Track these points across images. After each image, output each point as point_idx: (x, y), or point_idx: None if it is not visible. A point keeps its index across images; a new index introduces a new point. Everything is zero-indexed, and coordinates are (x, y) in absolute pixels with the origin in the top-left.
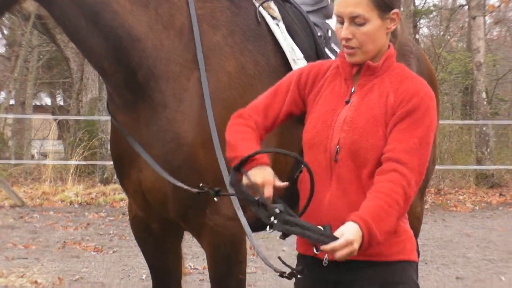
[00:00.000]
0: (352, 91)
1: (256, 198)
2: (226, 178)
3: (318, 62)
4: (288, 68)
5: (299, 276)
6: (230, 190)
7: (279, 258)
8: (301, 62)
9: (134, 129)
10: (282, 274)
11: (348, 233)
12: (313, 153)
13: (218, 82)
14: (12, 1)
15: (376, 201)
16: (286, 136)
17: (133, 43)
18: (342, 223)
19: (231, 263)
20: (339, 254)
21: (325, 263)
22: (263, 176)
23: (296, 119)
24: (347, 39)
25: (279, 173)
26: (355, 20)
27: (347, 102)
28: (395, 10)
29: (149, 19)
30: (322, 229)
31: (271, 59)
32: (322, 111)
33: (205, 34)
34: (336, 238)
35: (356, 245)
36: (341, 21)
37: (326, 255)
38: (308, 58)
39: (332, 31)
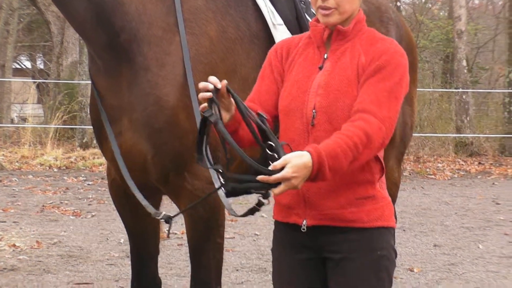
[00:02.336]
0: (325, 57)
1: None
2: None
3: (289, 37)
4: (269, 33)
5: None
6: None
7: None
8: (281, 28)
9: (115, 92)
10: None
11: (292, 164)
12: (289, 119)
13: (200, 46)
14: None
15: (335, 140)
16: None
17: (116, 6)
18: (321, 186)
19: (210, 226)
20: (277, 191)
21: (304, 229)
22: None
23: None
24: None
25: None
26: None
27: (320, 68)
28: None
29: None
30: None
31: (252, 24)
32: (296, 79)
33: None
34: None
35: (294, 181)
36: None
37: (304, 221)
38: (288, 23)
39: None
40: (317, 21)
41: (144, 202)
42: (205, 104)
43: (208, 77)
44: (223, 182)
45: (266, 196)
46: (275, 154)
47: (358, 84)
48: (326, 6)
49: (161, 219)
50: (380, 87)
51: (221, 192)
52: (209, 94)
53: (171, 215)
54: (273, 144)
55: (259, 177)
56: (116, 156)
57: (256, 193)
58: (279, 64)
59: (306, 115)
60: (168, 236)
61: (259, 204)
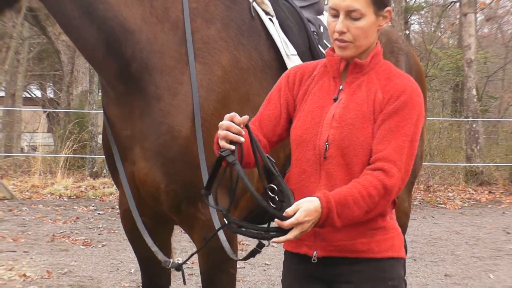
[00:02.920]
0: (340, 88)
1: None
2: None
3: (303, 63)
4: (281, 63)
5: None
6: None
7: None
8: (294, 58)
9: (127, 121)
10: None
11: (303, 208)
12: (301, 150)
13: (212, 75)
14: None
15: (350, 189)
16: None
17: (126, 35)
18: None
19: (223, 257)
20: (290, 236)
21: (314, 260)
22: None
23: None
24: (342, 33)
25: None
26: (351, 14)
27: (335, 100)
28: (388, 8)
29: (143, 11)
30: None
31: (265, 53)
32: (310, 109)
33: (199, 27)
34: (278, 231)
35: (306, 225)
36: (335, 14)
37: (314, 252)
38: (301, 54)
39: (324, 27)
40: (333, 50)
41: (154, 248)
42: (224, 143)
43: (232, 116)
44: (226, 223)
45: (266, 237)
46: (276, 197)
47: (374, 121)
48: (343, 39)
49: (170, 268)
50: (401, 132)
51: (223, 236)
52: (241, 139)
53: (181, 262)
54: (281, 189)
55: (277, 221)
56: (124, 187)
57: (261, 239)
58: (288, 91)
59: (319, 147)
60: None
61: (260, 246)
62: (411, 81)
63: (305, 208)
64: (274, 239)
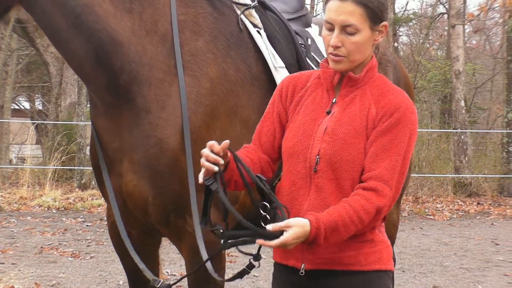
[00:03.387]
0: (334, 101)
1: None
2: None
3: (296, 73)
4: (269, 75)
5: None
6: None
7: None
8: (282, 70)
9: (116, 133)
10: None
11: (293, 232)
12: (292, 162)
13: (201, 88)
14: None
15: (341, 211)
16: None
17: (115, 47)
18: None
19: (211, 270)
20: (272, 244)
21: (302, 272)
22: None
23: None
24: (336, 47)
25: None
26: (346, 29)
27: (328, 113)
28: (384, 23)
29: (132, 24)
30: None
31: (253, 66)
32: (302, 121)
33: (187, 40)
34: (273, 234)
35: (290, 247)
36: (330, 28)
37: (302, 265)
38: (289, 66)
39: (312, 40)
40: (328, 62)
41: (141, 266)
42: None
43: (210, 144)
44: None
45: (257, 258)
46: (267, 215)
47: (366, 137)
48: (337, 53)
49: (157, 286)
50: (394, 151)
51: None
52: (215, 168)
53: (171, 283)
54: (272, 205)
55: (259, 241)
56: (110, 200)
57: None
58: (280, 104)
59: (310, 160)
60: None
61: (250, 267)
62: (405, 97)
63: (294, 232)
64: (261, 242)
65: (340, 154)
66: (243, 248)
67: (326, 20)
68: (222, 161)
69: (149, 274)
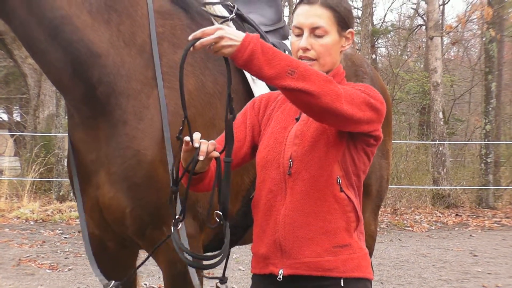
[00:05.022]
0: None
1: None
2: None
3: (269, 92)
4: (247, 87)
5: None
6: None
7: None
8: (259, 82)
9: (93, 145)
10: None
11: (223, 26)
12: (266, 171)
13: (178, 100)
14: None
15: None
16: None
17: (93, 58)
18: (298, 234)
19: (188, 282)
20: (207, 39)
21: (280, 278)
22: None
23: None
24: (305, 50)
25: (235, 194)
26: (315, 32)
27: (297, 119)
28: (351, 30)
29: (110, 35)
30: None
31: (232, 77)
32: (273, 131)
33: (165, 52)
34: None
35: (223, 32)
36: (298, 34)
37: (280, 270)
38: None
39: (289, 51)
40: None
41: (95, 271)
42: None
43: (194, 133)
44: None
45: (223, 281)
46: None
47: (334, 133)
48: (307, 56)
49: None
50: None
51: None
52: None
53: (125, 278)
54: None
55: (197, 44)
56: (79, 211)
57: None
58: (254, 116)
59: (283, 165)
60: None
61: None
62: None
63: (228, 28)
64: (195, 45)
65: (311, 152)
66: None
67: (294, 26)
68: (196, 145)
69: (101, 279)
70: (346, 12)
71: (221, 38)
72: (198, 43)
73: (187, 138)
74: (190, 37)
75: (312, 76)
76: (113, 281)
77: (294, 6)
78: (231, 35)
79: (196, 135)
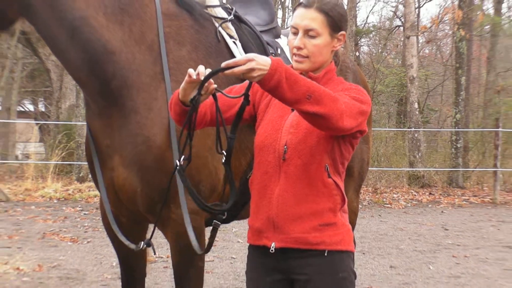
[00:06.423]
0: None
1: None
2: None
3: None
4: (243, 80)
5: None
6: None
7: None
8: None
9: (108, 132)
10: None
11: (256, 58)
12: (263, 154)
13: None
14: (3, 25)
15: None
16: (243, 141)
17: (108, 55)
18: (289, 213)
19: (192, 252)
20: (238, 69)
21: (272, 250)
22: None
23: (251, 128)
24: (299, 48)
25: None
26: (308, 33)
27: (292, 110)
28: (342, 32)
29: (123, 35)
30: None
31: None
32: (271, 118)
33: (172, 49)
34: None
35: (254, 64)
36: (295, 33)
37: (273, 243)
38: None
39: (282, 49)
40: (292, 67)
41: (120, 235)
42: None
43: (199, 66)
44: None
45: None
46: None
47: None
48: (300, 54)
49: (142, 247)
50: (345, 94)
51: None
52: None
53: (149, 238)
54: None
55: (228, 72)
56: (101, 191)
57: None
58: (252, 95)
59: (278, 151)
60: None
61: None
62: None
63: (258, 58)
64: (230, 71)
65: (305, 142)
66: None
67: (292, 25)
68: (201, 77)
69: (129, 244)
70: (339, 17)
71: (251, 70)
72: (229, 71)
73: (191, 70)
74: (223, 64)
75: (324, 98)
76: (141, 242)
77: (286, 9)
78: (260, 65)
79: (201, 69)
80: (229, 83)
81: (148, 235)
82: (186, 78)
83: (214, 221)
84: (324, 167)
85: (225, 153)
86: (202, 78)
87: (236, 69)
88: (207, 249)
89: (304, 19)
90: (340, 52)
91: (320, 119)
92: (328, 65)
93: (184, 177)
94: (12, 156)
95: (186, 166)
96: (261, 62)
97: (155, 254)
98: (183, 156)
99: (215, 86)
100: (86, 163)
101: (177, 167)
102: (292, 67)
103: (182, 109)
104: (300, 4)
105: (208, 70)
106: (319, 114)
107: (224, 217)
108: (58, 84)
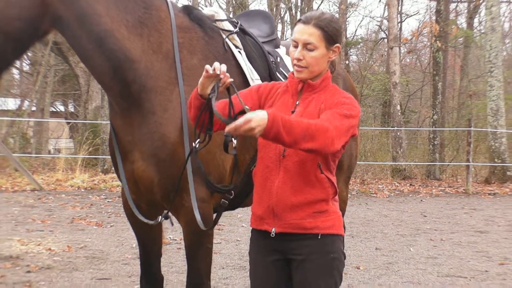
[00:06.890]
0: (297, 103)
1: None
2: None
3: (271, 82)
4: (248, 85)
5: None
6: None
7: None
8: (257, 82)
9: (128, 130)
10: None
11: (251, 114)
12: (266, 150)
13: None
14: (37, 36)
15: (295, 118)
16: (247, 139)
17: (129, 63)
18: (287, 202)
19: (202, 235)
20: (239, 131)
21: (272, 235)
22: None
23: None
24: (299, 60)
25: (239, 167)
26: (307, 46)
27: (292, 112)
28: (337, 45)
29: (142, 45)
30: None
31: (236, 78)
32: None
33: (185, 58)
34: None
35: (253, 124)
36: (295, 46)
37: (273, 228)
38: (263, 79)
39: (281, 58)
40: (293, 74)
41: (140, 216)
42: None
43: (215, 62)
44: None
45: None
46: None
47: None
48: (300, 65)
49: (160, 221)
50: (337, 111)
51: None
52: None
53: (166, 212)
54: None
55: (231, 126)
56: (122, 181)
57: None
58: (256, 99)
59: (279, 148)
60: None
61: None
62: (352, 96)
63: (254, 117)
64: (232, 126)
65: None
66: None
67: (292, 39)
68: (218, 72)
69: (147, 220)
70: (334, 31)
71: (252, 129)
72: (233, 132)
73: (208, 66)
74: (226, 129)
75: (317, 133)
76: (159, 216)
77: (285, 23)
78: (258, 123)
79: (217, 64)
80: (237, 88)
81: (164, 221)
82: (204, 73)
83: (222, 200)
84: (317, 164)
85: (235, 153)
86: (218, 72)
87: (238, 132)
88: (213, 225)
89: (303, 34)
90: (336, 61)
91: (314, 151)
92: (325, 73)
93: (197, 158)
94: (45, 150)
95: (204, 147)
96: (258, 120)
97: (172, 225)
98: (198, 140)
99: (231, 80)
100: (110, 157)
101: (195, 147)
102: (293, 74)
103: (201, 102)
104: (299, 20)
105: (224, 66)
106: (314, 149)
107: (231, 197)
108: (86, 87)
